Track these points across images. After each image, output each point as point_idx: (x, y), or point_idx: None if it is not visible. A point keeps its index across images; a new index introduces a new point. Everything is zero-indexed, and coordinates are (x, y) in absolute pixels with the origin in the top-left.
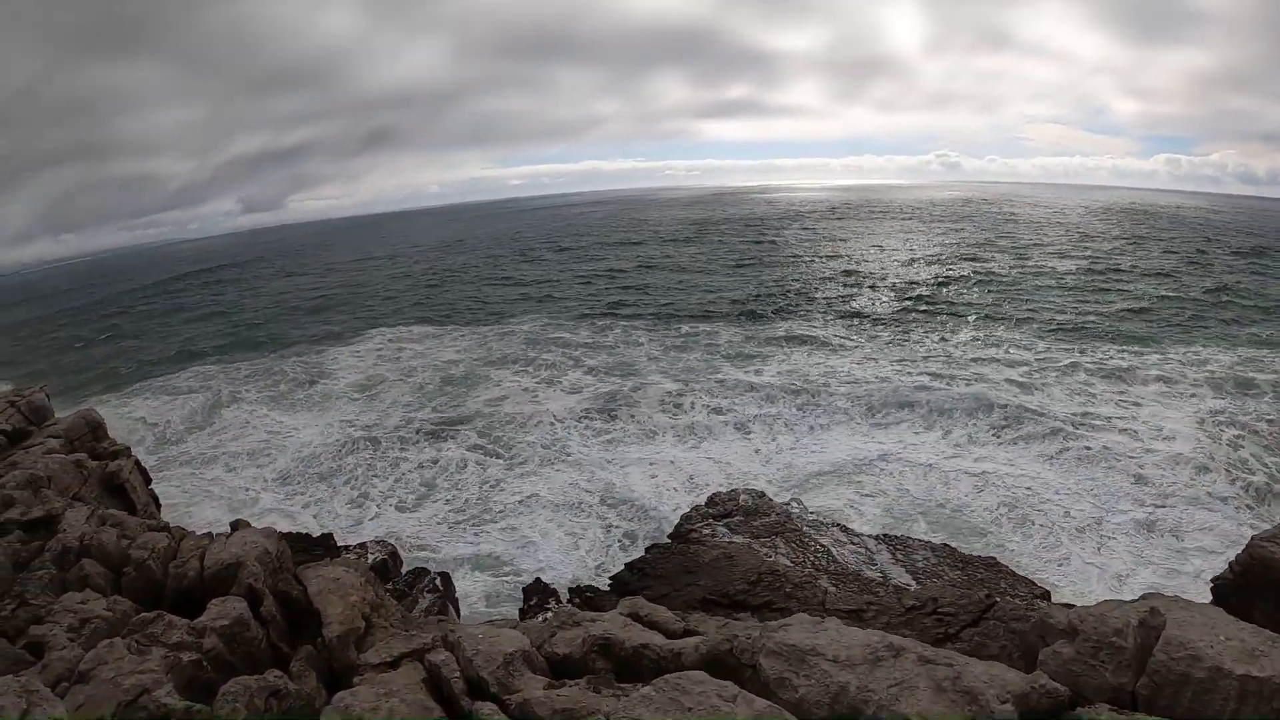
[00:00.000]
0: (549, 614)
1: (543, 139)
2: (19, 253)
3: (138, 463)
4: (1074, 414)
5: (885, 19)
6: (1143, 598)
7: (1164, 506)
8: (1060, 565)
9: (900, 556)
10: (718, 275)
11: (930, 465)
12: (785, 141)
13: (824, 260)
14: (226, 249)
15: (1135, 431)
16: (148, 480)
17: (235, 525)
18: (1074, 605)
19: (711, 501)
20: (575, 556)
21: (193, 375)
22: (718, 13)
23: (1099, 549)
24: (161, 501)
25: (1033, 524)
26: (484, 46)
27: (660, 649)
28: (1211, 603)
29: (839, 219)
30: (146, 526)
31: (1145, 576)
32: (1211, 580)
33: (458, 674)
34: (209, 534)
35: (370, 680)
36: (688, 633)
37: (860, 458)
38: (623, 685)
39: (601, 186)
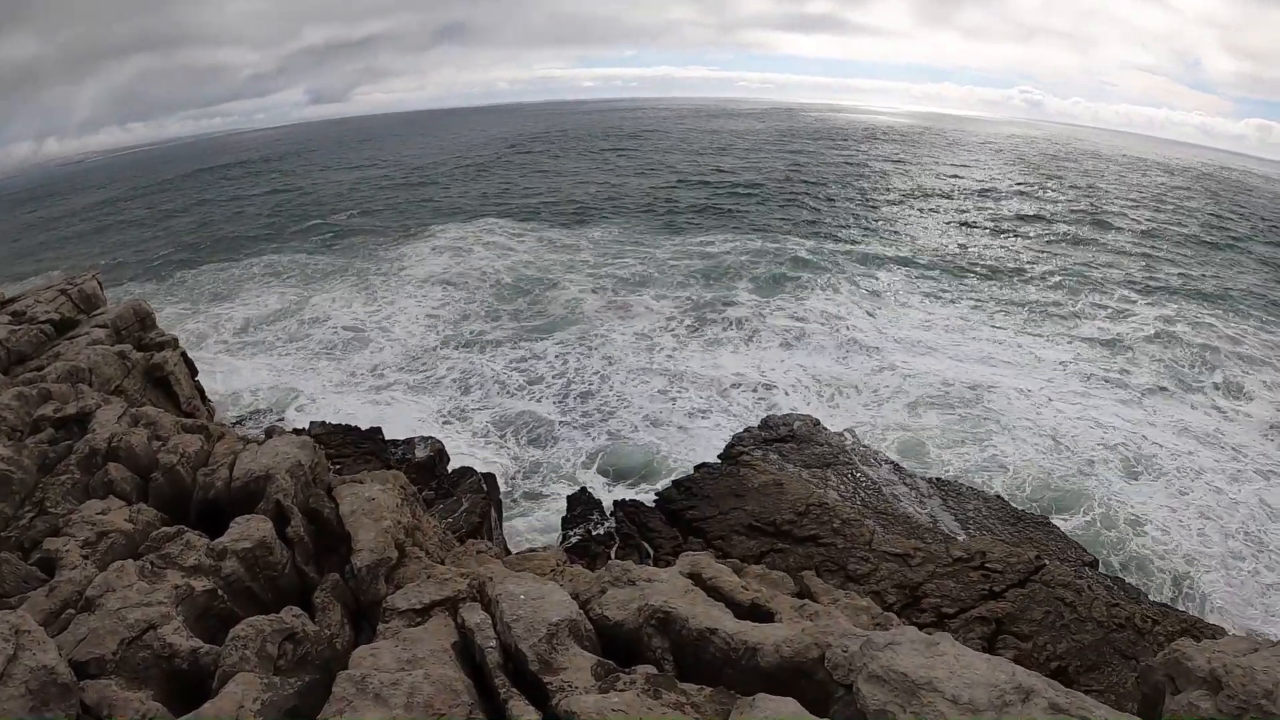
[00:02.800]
0: (594, 527)
1: (617, 41)
2: (86, 141)
3: (184, 354)
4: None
5: None
6: None
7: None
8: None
9: (951, 503)
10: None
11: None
12: (864, 62)
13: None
14: (293, 138)
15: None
16: (194, 372)
17: (269, 431)
18: (1205, 640)
19: (765, 424)
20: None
21: (266, 265)
22: None
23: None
24: (238, 387)
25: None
26: None
27: (731, 639)
28: None
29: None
30: (181, 426)
31: None
32: None
33: (494, 643)
34: (244, 438)
35: (396, 633)
36: (756, 607)
37: None
38: (687, 688)
39: (674, 93)
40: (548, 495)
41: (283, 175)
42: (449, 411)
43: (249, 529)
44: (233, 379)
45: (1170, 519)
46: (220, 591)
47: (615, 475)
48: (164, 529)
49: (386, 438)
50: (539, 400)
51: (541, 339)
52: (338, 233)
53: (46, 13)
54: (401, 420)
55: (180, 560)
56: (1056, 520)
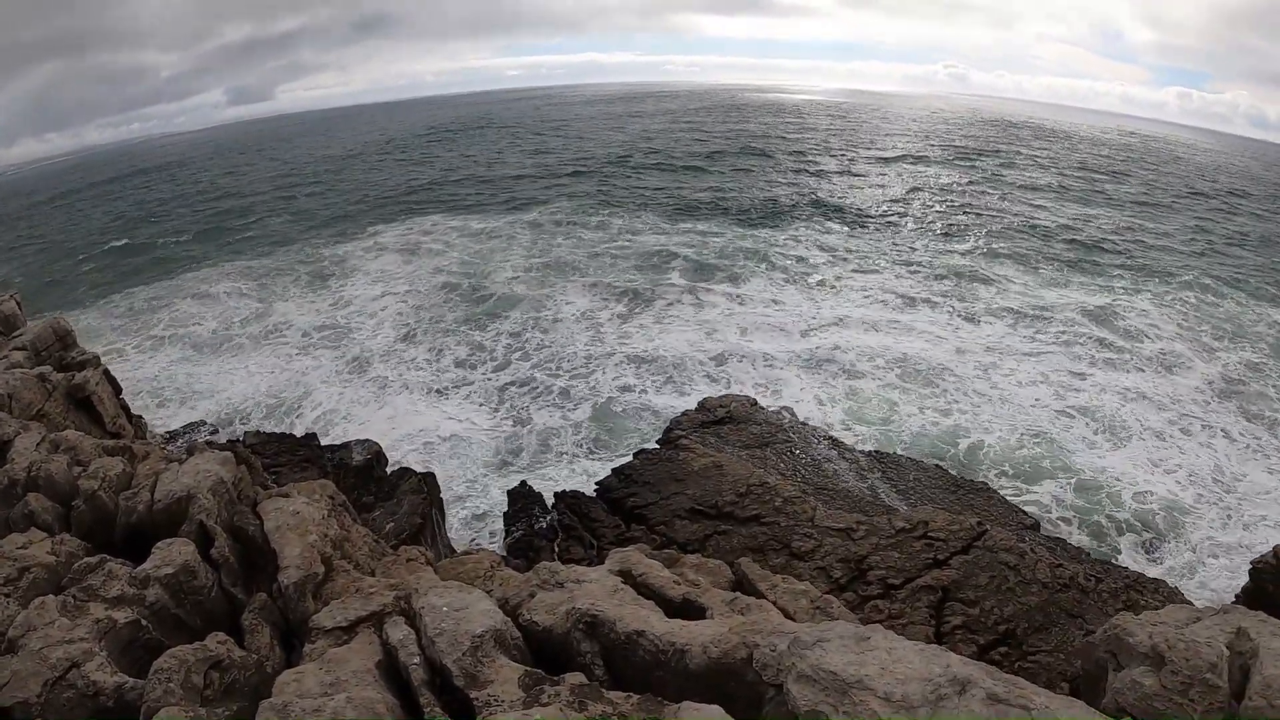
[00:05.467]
0: (536, 521)
1: (543, 29)
2: (4, 154)
3: (107, 372)
4: None
5: None
6: (1222, 610)
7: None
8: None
9: (892, 475)
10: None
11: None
12: (789, 42)
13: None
14: (216, 140)
15: None
16: (118, 390)
17: (190, 449)
18: (1146, 612)
19: (702, 407)
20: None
21: (213, 272)
22: None
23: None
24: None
25: None
26: None
27: (659, 640)
28: (1247, 587)
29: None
30: (103, 449)
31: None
32: (1252, 563)
33: (417, 660)
34: (167, 456)
35: (321, 655)
36: (687, 602)
37: None
38: (614, 698)
39: (601, 79)
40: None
41: (208, 180)
42: (437, 394)
43: (171, 554)
44: (224, 385)
45: (1134, 473)
46: (145, 621)
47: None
48: (86, 560)
49: (322, 443)
50: (502, 380)
51: (493, 322)
52: (275, 237)
53: None
54: (396, 413)
55: (103, 592)
56: (1008, 490)
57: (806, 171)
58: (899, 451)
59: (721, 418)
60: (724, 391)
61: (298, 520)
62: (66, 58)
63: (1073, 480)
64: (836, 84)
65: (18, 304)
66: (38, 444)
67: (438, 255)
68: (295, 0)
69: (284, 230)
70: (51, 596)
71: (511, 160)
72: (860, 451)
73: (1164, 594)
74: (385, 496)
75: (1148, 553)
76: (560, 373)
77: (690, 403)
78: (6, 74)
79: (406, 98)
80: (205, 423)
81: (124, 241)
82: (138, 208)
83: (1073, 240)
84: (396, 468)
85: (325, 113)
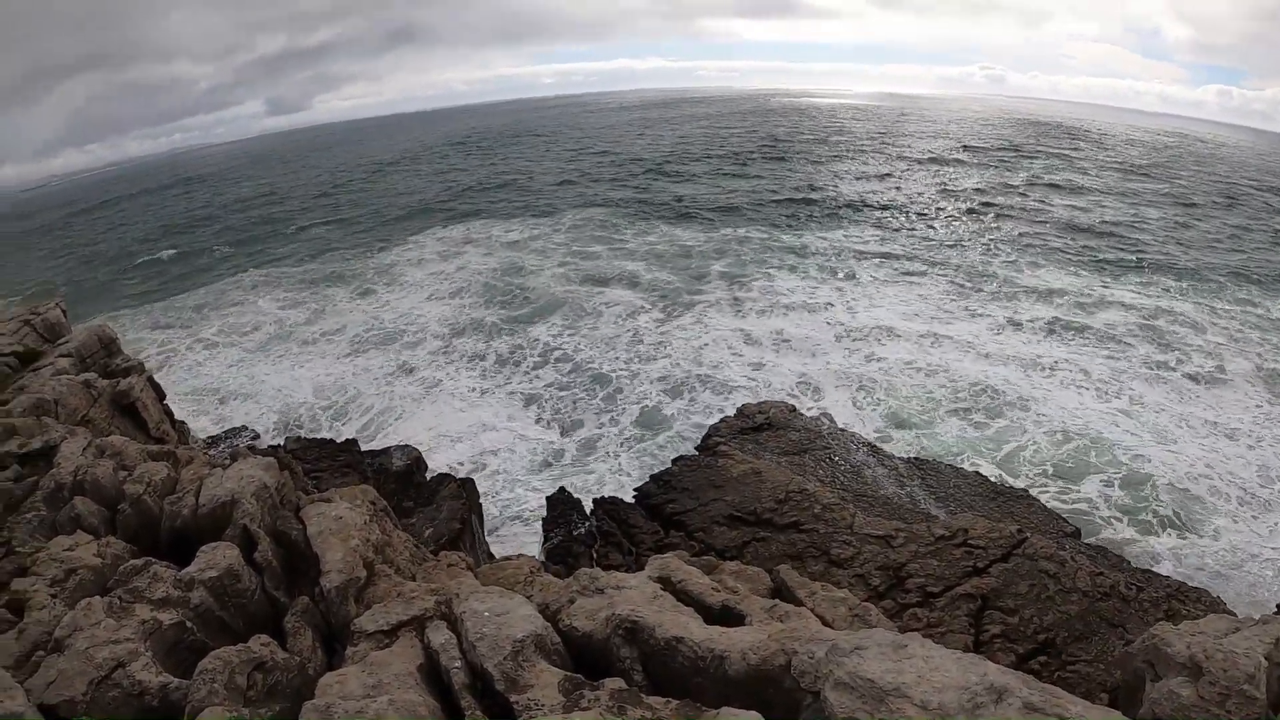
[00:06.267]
0: (575, 527)
1: (572, 37)
2: (45, 165)
3: (151, 378)
4: None
5: None
6: (1262, 621)
7: None
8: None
9: (931, 482)
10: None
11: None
12: (821, 45)
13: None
14: (255, 150)
15: None
16: (162, 396)
17: (234, 454)
18: (1185, 622)
19: (741, 413)
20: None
21: (269, 280)
22: None
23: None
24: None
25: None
26: None
27: (698, 647)
28: None
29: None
30: (147, 454)
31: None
32: None
33: (459, 664)
34: (210, 461)
35: (363, 657)
36: (726, 609)
37: None
38: (653, 703)
39: (633, 85)
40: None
41: (250, 189)
42: (481, 394)
43: (215, 557)
44: (280, 386)
45: (1180, 476)
46: (189, 623)
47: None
48: (132, 562)
49: (363, 449)
50: (542, 382)
51: (534, 326)
52: (318, 244)
53: None
54: (439, 415)
55: (148, 594)
56: (1053, 490)
57: (842, 175)
58: (938, 457)
59: (760, 424)
60: (762, 397)
61: (340, 525)
62: (106, 71)
63: (1119, 476)
64: (870, 87)
65: (63, 311)
66: (84, 449)
67: (478, 260)
68: (328, 11)
69: (326, 237)
70: (98, 598)
71: (547, 167)
72: (899, 458)
73: (1206, 603)
74: (425, 502)
75: (1185, 560)
76: (600, 376)
77: (729, 408)
78: (49, 87)
79: (440, 106)
80: (246, 428)
81: (168, 249)
82: (180, 216)
83: (1114, 243)
84: (436, 473)
85: (361, 122)
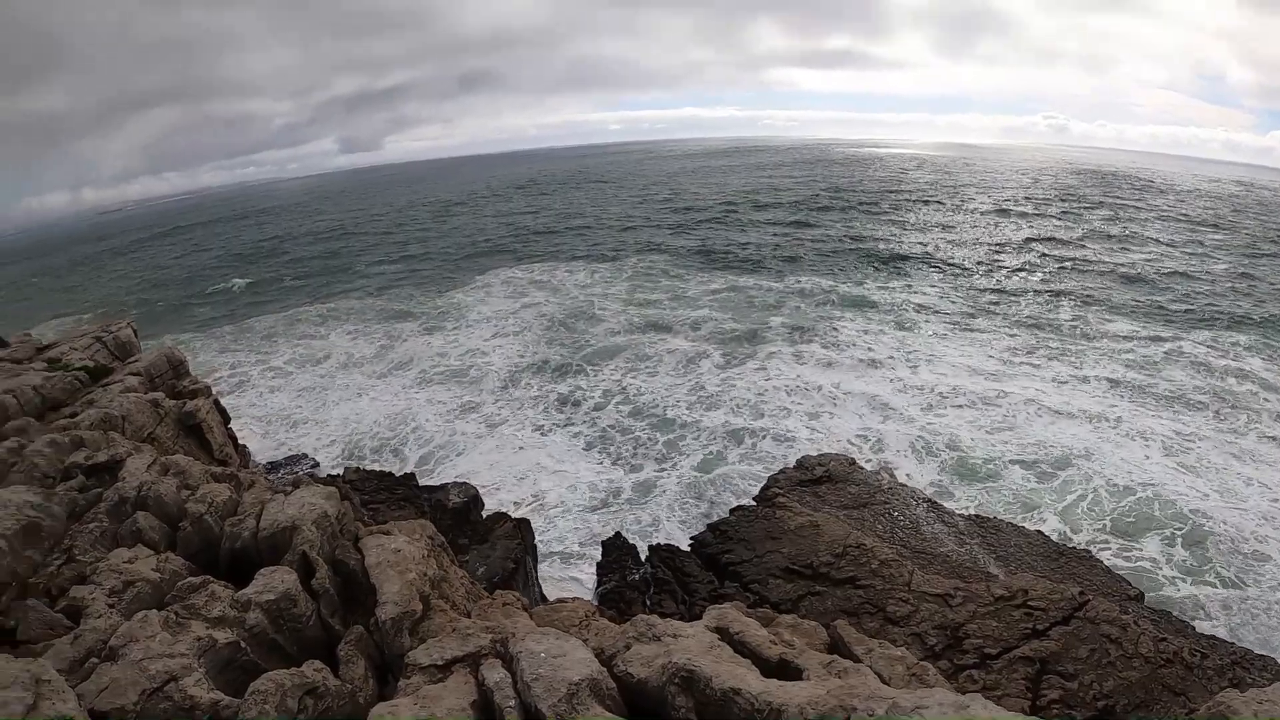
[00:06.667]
0: (630, 573)
1: (641, 84)
2: (123, 190)
3: (216, 402)
4: None
5: None
6: None
7: None
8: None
9: (991, 540)
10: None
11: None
12: (886, 95)
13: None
14: (327, 186)
15: None
16: (227, 420)
17: (295, 482)
18: (1251, 690)
19: (801, 465)
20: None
21: (329, 310)
22: None
23: None
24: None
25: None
26: None
27: (756, 699)
28: None
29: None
30: (210, 475)
31: None
32: None
33: (513, 703)
34: (271, 486)
35: (416, 690)
36: (784, 663)
37: None
38: None
39: (699, 134)
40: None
41: (323, 223)
42: (543, 434)
43: (274, 580)
44: (340, 415)
45: (1246, 534)
46: (244, 643)
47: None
48: (189, 579)
49: (421, 483)
50: (602, 426)
51: (596, 367)
52: (388, 278)
53: (72, 67)
54: (499, 452)
55: (205, 611)
56: (1114, 547)
57: (904, 226)
58: (999, 513)
59: (820, 476)
60: (822, 448)
61: (398, 558)
62: (186, 103)
63: (1182, 533)
64: (934, 137)
65: (134, 330)
66: (149, 465)
67: (543, 302)
68: (403, 56)
69: (395, 273)
70: (155, 612)
71: (612, 212)
72: (959, 514)
73: (1272, 671)
74: (480, 540)
75: (1250, 624)
76: (660, 421)
77: (788, 457)
78: (130, 116)
79: (509, 150)
80: (306, 456)
81: (239, 278)
82: (252, 246)
83: (1179, 296)
84: (492, 512)
85: (431, 163)
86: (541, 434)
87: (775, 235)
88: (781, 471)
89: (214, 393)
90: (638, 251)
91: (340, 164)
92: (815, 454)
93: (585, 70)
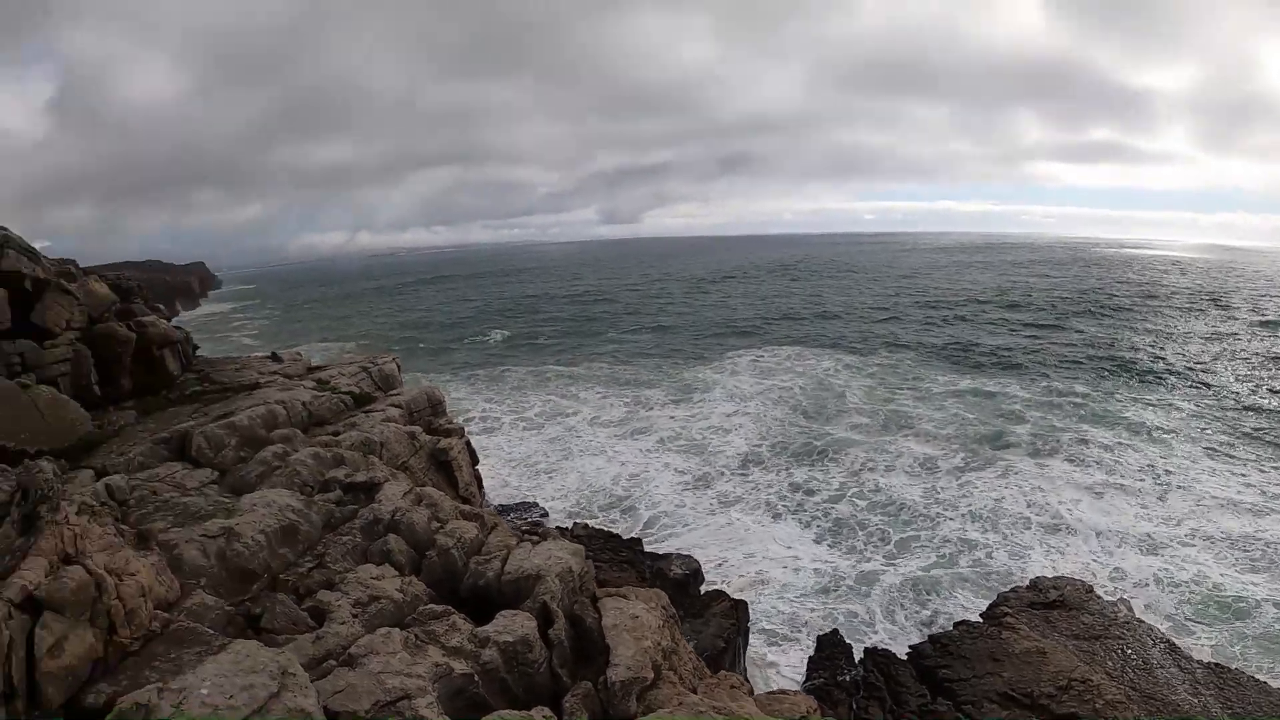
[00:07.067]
0: (841, 673)
1: (896, 175)
2: (396, 237)
3: (468, 443)
4: None
5: (1266, 53)
6: None
7: None
8: None
9: (1229, 694)
10: None
11: None
12: (1148, 191)
13: None
14: (587, 253)
15: None
16: (475, 461)
17: (543, 533)
18: None
19: (1034, 586)
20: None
21: (591, 374)
22: (1080, 46)
23: None
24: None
25: None
26: (837, 77)
27: None
28: None
29: None
30: (460, 512)
31: None
32: None
33: None
34: (518, 533)
35: None
36: None
37: None
38: None
39: (953, 227)
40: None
41: (581, 287)
42: (774, 517)
43: (513, 624)
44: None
45: None
46: (477, 677)
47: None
48: (431, 606)
49: (645, 549)
50: (832, 521)
51: (832, 457)
52: (639, 346)
53: (362, 126)
54: (726, 528)
55: (443, 639)
56: None
57: (1164, 335)
58: (1243, 666)
59: (1053, 600)
60: (1059, 569)
61: (635, 624)
62: (460, 166)
63: None
64: (1198, 238)
65: (397, 366)
66: (404, 493)
67: (787, 384)
68: (667, 135)
69: (647, 342)
70: (397, 630)
71: (863, 302)
72: (1198, 661)
73: None
74: (694, 614)
75: None
76: (891, 519)
77: (1020, 574)
78: (409, 173)
79: (764, 233)
80: (536, 504)
81: (498, 330)
82: (513, 302)
83: None
84: (712, 588)
85: (687, 240)
86: (773, 517)
87: (1025, 337)
88: (1013, 590)
89: (466, 434)
90: (884, 344)
91: (600, 233)
92: (1050, 575)
93: (842, 158)
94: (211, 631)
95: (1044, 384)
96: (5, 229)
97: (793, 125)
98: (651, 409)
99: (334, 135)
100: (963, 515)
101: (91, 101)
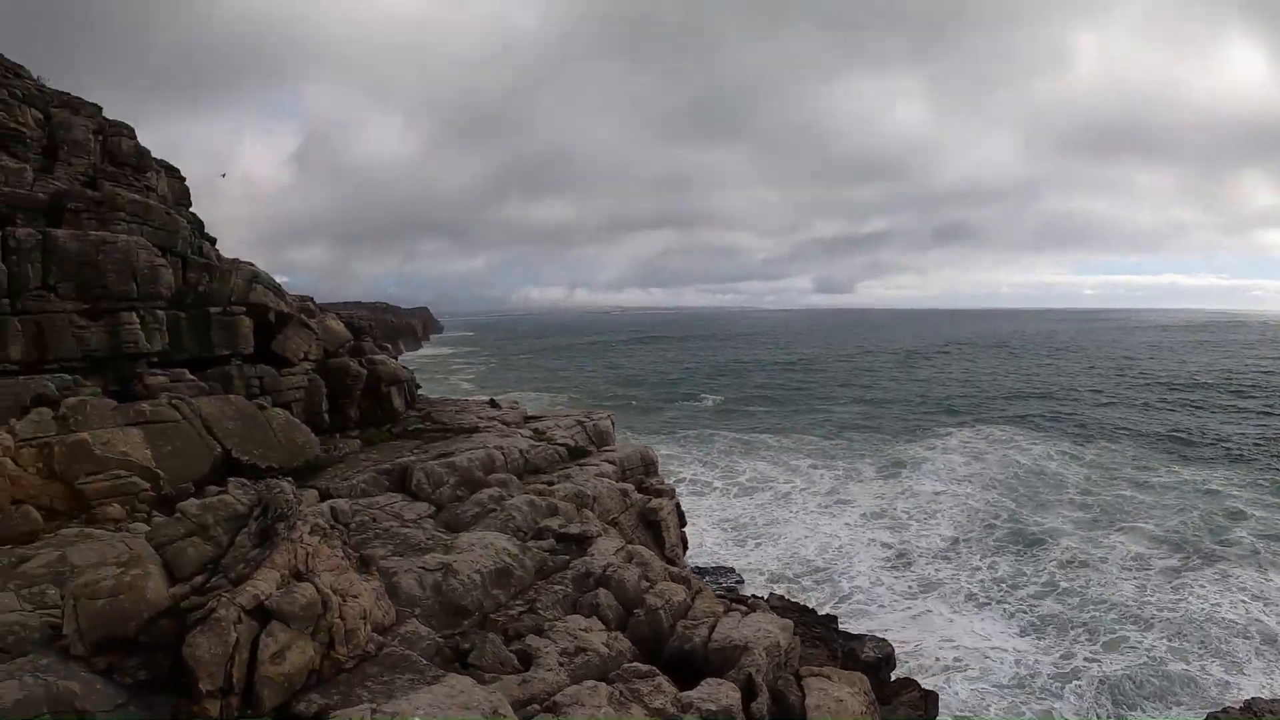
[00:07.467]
0: None
1: (1116, 245)
2: (612, 296)
3: (678, 505)
4: None
5: None
6: None
7: None
8: None
9: None
10: None
11: None
12: None
13: None
14: (802, 321)
15: None
16: (682, 523)
17: (751, 604)
18: None
19: (1248, 708)
20: None
21: (801, 444)
22: None
23: None
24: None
25: None
26: (1052, 140)
27: None
28: None
29: None
30: (669, 574)
31: None
32: None
33: None
34: (726, 601)
35: None
36: None
37: None
38: None
39: (1179, 304)
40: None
41: (793, 353)
42: (974, 605)
43: (718, 692)
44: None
45: None
46: None
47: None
48: (637, 665)
49: (840, 628)
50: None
51: (1042, 547)
52: (848, 418)
53: (581, 186)
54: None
55: (647, 699)
56: None
57: None
58: None
59: None
60: (1275, 690)
61: (840, 707)
62: (677, 229)
63: None
64: None
65: (612, 423)
66: (617, 550)
67: (999, 467)
68: (882, 203)
69: (857, 414)
70: (603, 684)
71: (1083, 383)
72: None
73: None
74: (883, 700)
75: None
76: (1099, 618)
77: (1234, 690)
78: (626, 234)
79: (980, 307)
80: (733, 570)
81: (710, 395)
82: (725, 366)
83: None
84: (903, 676)
85: (900, 311)
86: (974, 605)
87: (1254, 427)
88: (1224, 710)
89: (676, 496)
90: (1102, 429)
91: (813, 301)
92: (1267, 696)
93: (1059, 226)
94: (424, 660)
95: (1272, 480)
96: (254, 266)
97: (1007, 192)
98: (858, 483)
99: (554, 194)
100: (1173, 621)
101: (330, 154)
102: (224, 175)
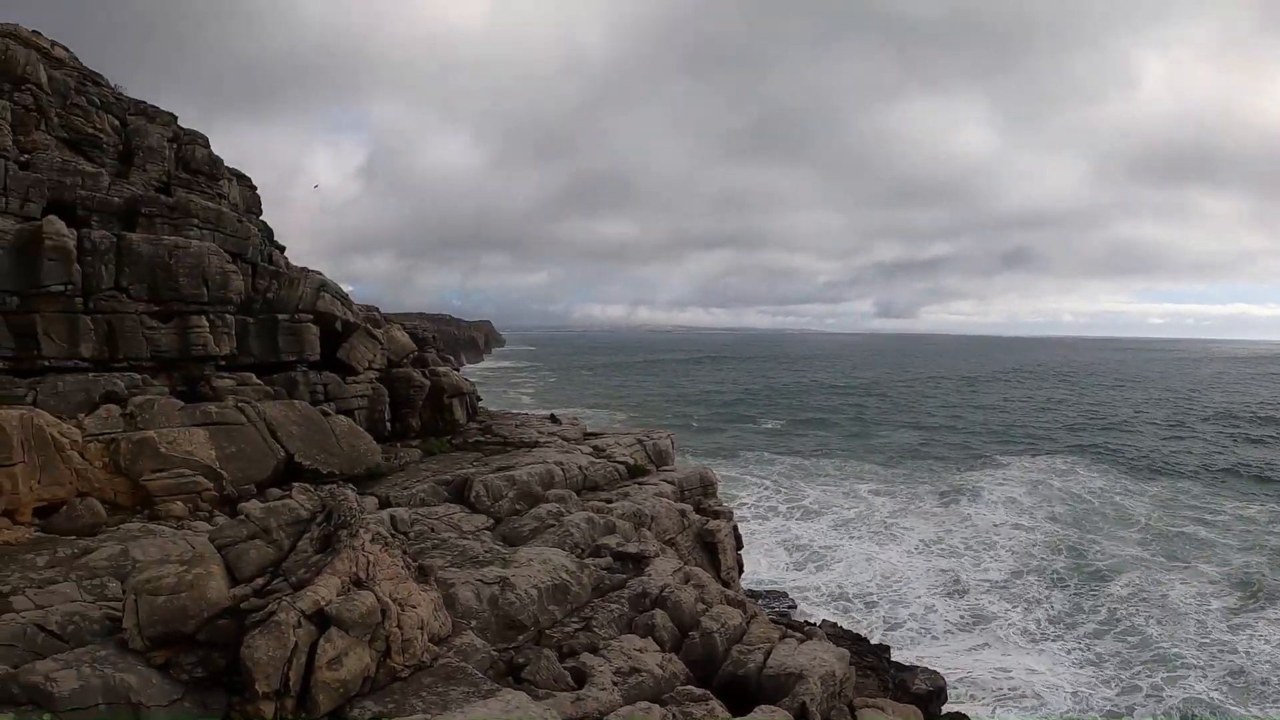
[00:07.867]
0: None
1: (1186, 274)
2: (673, 315)
3: (735, 528)
4: None
5: None
6: None
7: None
8: None
9: None
10: None
11: None
12: None
13: None
14: (863, 346)
15: None
16: (739, 545)
17: (808, 632)
18: None
19: None
20: None
21: (862, 470)
22: None
23: None
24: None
25: None
26: (1118, 165)
27: None
28: None
29: None
30: (725, 597)
31: None
32: None
33: None
34: (781, 626)
35: None
36: None
37: None
38: None
39: (1247, 335)
40: None
41: (853, 378)
42: (1029, 639)
43: None
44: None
45: None
46: None
47: None
48: (690, 688)
49: (892, 659)
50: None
51: (1102, 582)
52: (910, 446)
53: (643, 205)
54: (980, 647)
55: None
56: None
57: None
58: None
59: None
60: None
61: None
62: (738, 250)
63: None
64: None
65: (671, 443)
66: (674, 571)
67: (1059, 500)
68: (943, 228)
69: (917, 440)
70: (657, 706)
71: (1151, 416)
72: None
73: None
74: None
75: None
76: (1161, 657)
77: None
78: (689, 253)
79: (1042, 335)
80: (786, 594)
81: (770, 419)
82: (785, 389)
83: None
84: (953, 710)
85: (962, 338)
86: (1032, 641)
87: None
88: None
89: (734, 517)
90: (1167, 463)
91: (874, 326)
92: None
93: (1123, 252)
94: (479, 674)
95: None
96: (322, 274)
97: (1070, 216)
98: (916, 511)
99: (616, 211)
100: (1233, 661)
101: (397, 167)
102: (316, 187)
